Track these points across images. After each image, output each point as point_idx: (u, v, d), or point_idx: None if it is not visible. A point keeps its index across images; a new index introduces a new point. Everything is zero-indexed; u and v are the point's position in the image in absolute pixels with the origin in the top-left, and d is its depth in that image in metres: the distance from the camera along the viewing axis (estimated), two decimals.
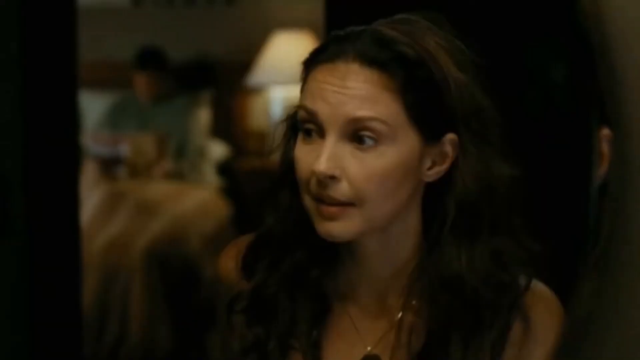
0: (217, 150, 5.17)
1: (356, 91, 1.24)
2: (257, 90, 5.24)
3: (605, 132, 1.83)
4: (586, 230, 1.89)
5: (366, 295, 1.35)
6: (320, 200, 1.26)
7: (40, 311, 2.54)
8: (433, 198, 1.32)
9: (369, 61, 1.24)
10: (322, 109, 1.25)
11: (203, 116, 5.15)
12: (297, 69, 1.37)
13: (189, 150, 5.03)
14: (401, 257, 1.33)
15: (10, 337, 2.48)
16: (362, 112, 1.24)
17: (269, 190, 1.37)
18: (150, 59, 5.07)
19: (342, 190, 1.25)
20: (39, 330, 2.54)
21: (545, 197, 1.72)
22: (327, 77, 1.25)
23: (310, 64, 1.29)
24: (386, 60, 1.24)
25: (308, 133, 1.27)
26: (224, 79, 5.28)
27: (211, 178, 5.05)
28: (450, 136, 1.28)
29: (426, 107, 1.26)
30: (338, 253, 1.34)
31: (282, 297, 1.35)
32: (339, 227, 1.26)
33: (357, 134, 1.25)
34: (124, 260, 4.23)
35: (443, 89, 1.26)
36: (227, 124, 5.30)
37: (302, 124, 1.28)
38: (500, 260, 1.31)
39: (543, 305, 1.34)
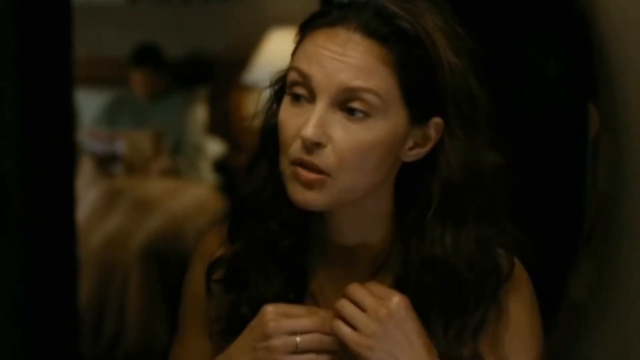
0: (214, 147, 5.17)
1: (355, 60, 1.23)
2: (253, 87, 5.24)
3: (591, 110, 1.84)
4: (582, 224, 1.89)
5: (339, 274, 1.35)
6: (300, 164, 1.24)
7: (38, 308, 2.54)
8: (412, 181, 1.32)
9: (370, 33, 1.24)
10: (317, 74, 1.24)
11: (199, 113, 5.15)
12: None
13: (186, 147, 5.02)
14: (373, 236, 1.33)
15: (8, 334, 2.48)
16: (358, 82, 1.23)
17: (250, 159, 1.37)
18: (146, 56, 5.07)
19: (324, 157, 1.23)
20: (36, 327, 2.54)
21: (542, 188, 1.73)
22: (327, 43, 1.24)
23: (308, 26, 1.28)
24: (387, 34, 1.24)
25: (296, 97, 1.26)
26: (220, 76, 5.28)
27: (208, 175, 5.05)
28: (436, 120, 1.28)
29: (419, 86, 1.25)
30: (312, 227, 1.34)
31: (254, 267, 1.35)
32: (315, 197, 1.25)
33: (348, 104, 1.24)
34: (121, 257, 4.23)
35: (437, 70, 1.26)
36: (224, 121, 5.30)
37: (291, 86, 1.27)
38: (485, 247, 1.31)
39: (516, 292, 1.35)
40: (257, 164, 1.35)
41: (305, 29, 1.29)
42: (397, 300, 1.25)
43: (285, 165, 1.27)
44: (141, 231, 4.33)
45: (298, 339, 1.26)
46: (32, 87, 2.48)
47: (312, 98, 1.25)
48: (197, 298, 1.41)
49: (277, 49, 4.99)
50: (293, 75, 1.26)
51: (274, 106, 1.35)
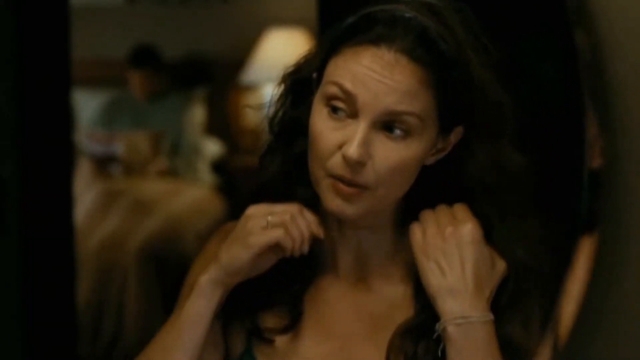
0: (212, 148, 5.17)
1: (401, 85, 1.25)
2: (252, 88, 5.24)
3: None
4: (580, 223, 1.90)
5: (349, 269, 1.37)
6: (339, 179, 1.27)
7: (36, 310, 2.54)
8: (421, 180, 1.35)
9: (416, 58, 1.25)
10: (362, 94, 1.25)
11: (197, 114, 5.15)
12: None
13: (184, 148, 5.02)
14: (384, 228, 1.36)
15: (7, 335, 2.48)
16: (402, 106, 1.25)
17: (265, 148, 1.40)
18: (144, 57, 5.06)
19: (365, 175, 1.26)
20: (34, 328, 2.54)
21: (539, 188, 1.73)
22: (373, 64, 1.25)
23: (349, 40, 1.28)
24: (431, 59, 1.26)
25: (335, 110, 1.28)
26: (218, 76, 5.28)
27: (206, 176, 5.05)
28: (459, 129, 1.32)
29: (452, 104, 1.29)
30: (322, 218, 1.35)
31: None
32: (352, 209, 1.28)
33: (389, 124, 1.26)
34: (120, 258, 4.23)
35: (469, 88, 1.29)
36: (222, 122, 5.30)
37: (330, 99, 1.28)
38: (528, 241, 1.34)
39: None
40: (272, 153, 1.38)
41: (344, 41, 1.29)
42: (469, 226, 1.29)
43: (321, 175, 1.29)
44: (139, 232, 4.33)
45: (269, 217, 1.29)
46: (31, 88, 2.48)
47: (352, 114, 1.27)
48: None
49: (274, 50, 5.00)
50: (334, 90, 1.28)
51: (288, 102, 1.37)
